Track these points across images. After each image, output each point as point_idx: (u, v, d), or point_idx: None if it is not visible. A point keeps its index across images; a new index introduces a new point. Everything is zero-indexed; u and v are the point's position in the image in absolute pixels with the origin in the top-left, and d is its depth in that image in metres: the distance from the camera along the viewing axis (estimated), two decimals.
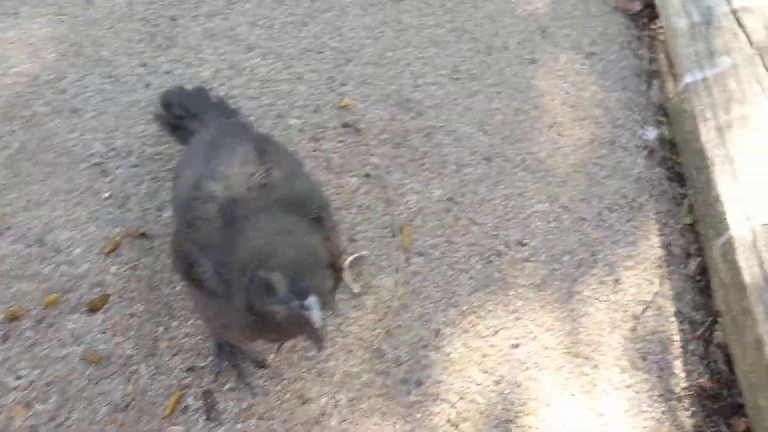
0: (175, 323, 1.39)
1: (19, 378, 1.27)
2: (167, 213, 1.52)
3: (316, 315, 0.97)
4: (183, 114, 1.50)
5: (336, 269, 1.15)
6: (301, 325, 1.00)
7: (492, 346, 1.51)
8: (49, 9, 1.81)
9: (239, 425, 1.31)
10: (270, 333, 1.11)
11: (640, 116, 1.99)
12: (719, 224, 1.55)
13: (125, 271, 1.43)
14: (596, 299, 1.63)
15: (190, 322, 1.40)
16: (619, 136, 1.96)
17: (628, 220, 1.77)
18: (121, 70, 1.74)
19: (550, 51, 2.13)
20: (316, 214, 1.18)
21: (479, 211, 1.72)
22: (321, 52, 1.94)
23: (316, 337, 1.00)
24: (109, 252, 1.44)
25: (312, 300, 0.98)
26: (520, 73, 2.05)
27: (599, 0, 2.31)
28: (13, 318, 1.31)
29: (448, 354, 1.49)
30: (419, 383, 1.43)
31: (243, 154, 1.26)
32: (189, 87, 1.61)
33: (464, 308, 1.55)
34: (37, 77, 1.67)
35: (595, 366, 1.53)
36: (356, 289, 1.53)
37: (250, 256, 1.03)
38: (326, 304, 1.01)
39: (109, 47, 1.78)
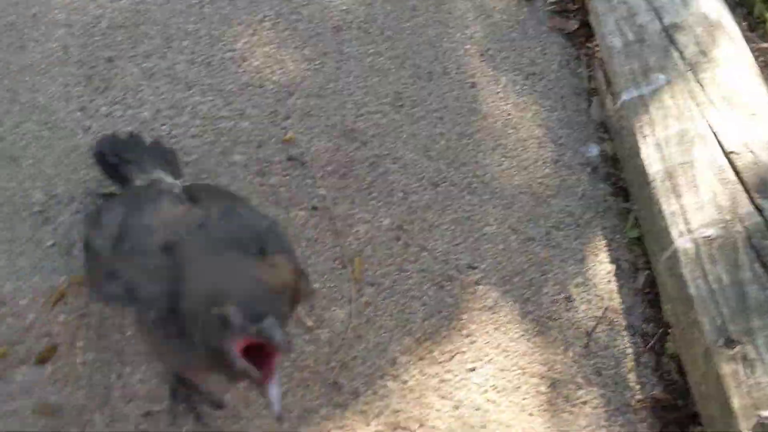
0: (127, 369, 1.40)
1: None
2: None
3: (277, 334, 0.98)
4: (117, 162, 1.51)
5: (295, 290, 1.17)
6: (257, 368, 1.01)
7: (448, 371, 1.55)
8: None
9: None
10: (227, 369, 1.13)
11: (581, 134, 2.07)
12: (663, 239, 1.62)
13: (73, 319, 1.44)
14: (548, 318, 1.69)
15: (143, 367, 1.41)
16: (562, 155, 2.03)
17: (576, 238, 1.84)
18: (59, 116, 1.75)
19: (490, 73, 2.20)
20: (258, 247, 1.21)
21: (429, 237, 1.76)
22: (262, 86, 1.98)
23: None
24: (56, 301, 1.45)
25: (270, 320, 0.99)
26: (461, 97, 2.11)
27: (536, 21, 2.39)
28: None
29: (405, 382, 1.52)
30: (378, 414, 1.46)
31: (170, 202, 1.29)
32: (122, 133, 1.63)
33: (418, 335, 1.59)
34: None
35: (552, 384, 1.58)
36: (309, 322, 1.56)
37: (200, 298, 1.05)
38: (284, 326, 1.03)
39: (44, 92, 1.79)
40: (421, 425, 1.46)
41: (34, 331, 1.40)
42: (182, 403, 1.38)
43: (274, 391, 0.99)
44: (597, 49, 2.28)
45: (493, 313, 1.67)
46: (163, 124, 1.80)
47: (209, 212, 1.23)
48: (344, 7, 2.26)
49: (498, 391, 1.55)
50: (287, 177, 1.80)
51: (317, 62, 2.09)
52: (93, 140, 1.71)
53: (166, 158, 1.56)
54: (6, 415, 1.30)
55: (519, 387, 1.56)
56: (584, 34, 2.37)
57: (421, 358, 1.55)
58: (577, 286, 1.75)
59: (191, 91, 1.91)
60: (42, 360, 1.37)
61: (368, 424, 1.44)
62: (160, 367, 1.38)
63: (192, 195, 1.32)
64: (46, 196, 1.60)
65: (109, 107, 1.80)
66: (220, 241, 1.17)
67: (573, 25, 2.38)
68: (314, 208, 1.75)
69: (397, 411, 1.47)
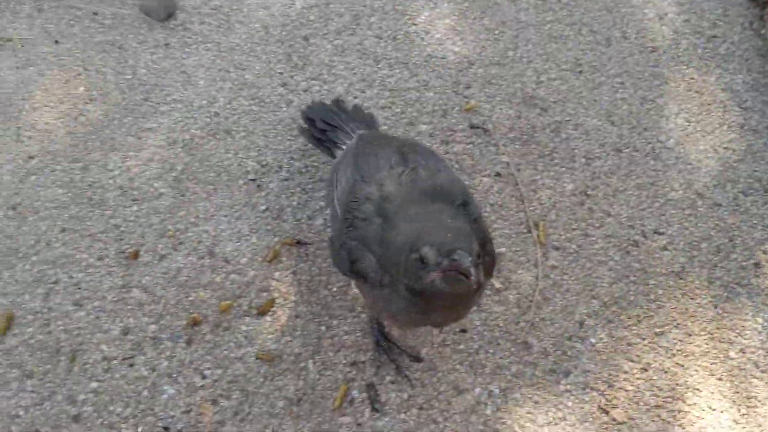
0: (335, 322, 1.51)
1: (204, 377, 1.41)
2: (318, 221, 1.65)
3: (466, 261, 1.05)
4: (325, 127, 1.62)
5: (487, 254, 1.23)
6: (455, 282, 1.07)
7: (636, 335, 1.56)
8: (194, 39, 1.97)
9: (402, 415, 1.41)
10: (434, 312, 1.21)
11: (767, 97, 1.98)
12: None
13: (287, 276, 1.56)
14: (737, 284, 1.65)
15: (349, 320, 1.51)
16: (749, 119, 1.95)
17: (764, 204, 1.78)
18: (265, 91, 1.88)
19: (670, 37, 2.13)
20: (461, 200, 1.28)
21: (613, 203, 1.76)
22: (444, 57, 2.02)
23: (472, 284, 1.06)
24: (271, 260, 1.58)
25: (461, 252, 1.06)
26: (642, 61, 2.07)
27: None
28: (195, 323, 1.46)
29: (593, 344, 1.54)
30: (567, 373, 1.50)
31: (387, 158, 1.37)
32: (327, 101, 1.73)
33: (606, 299, 1.60)
34: (191, 103, 1.83)
35: (741, 350, 1.55)
36: (497, 284, 1.61)
37: (404, 243, 1.14)
38: (477, 264, 1.08)
39: (251, 70, 1.93)
40: (610, 386, 1.48)
41: (254, 287, 1.54)
42: (384, 355, 1.47)
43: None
44: None
45: (680, 278, 1.65)
46: (355, 97, 1.89)
47: (418, 169, 1.31)
48: None
49: (686, 356, 1.54)
50: (470, 145, 1.84)
51: (496, 32, 2.11)
52: (296, 113, 1.82)
53: (367, 122, 1.65)
54: (234, 361, 1.44)
55: (707, 352, 1.54)
56: None
57: (609, 321, 1.57)
58: (765, 252, 1.70)
59: (380, 65, 1.98)
60: (262, 312, 1.50)
61: (558, 383, 1.48)
62: (377, 320, 1.47)
63: (403, 151, 1.39)
64: (258, 165, 1.73)
65: (308, 82, 1.91)
66: (427, 195, 1.25)
67: None
68: (497, 174, 1.79)
69: (587, 371, 1.50)
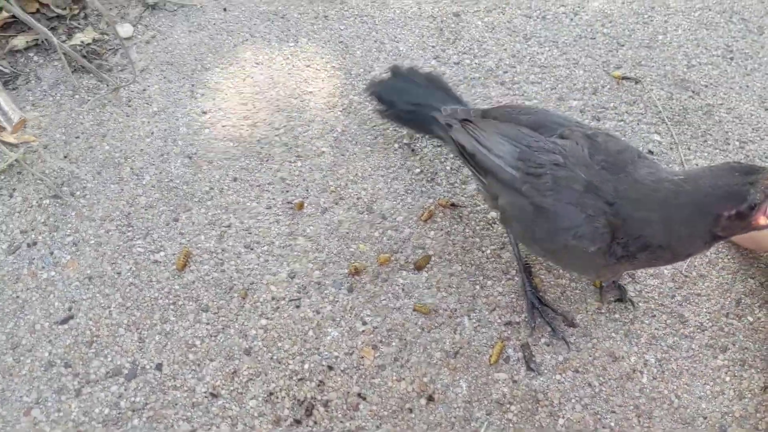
0: (489, 282, 1.47)
1: (364, 323, 1.40)
2: (471, 186, 1.61)
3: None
4: (410, 108, 1.53)
5: None
6: None
7: None
8: (351, 11, 1.98)
9: (558, 376, 1.36)
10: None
11: None
12: None
13: (441, 236, 1.53)
14: None
15: (503, 282, 1.47)
16: None
17: None
18: (418, 63, 1.86)
19: None
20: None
21: None
22: (593, 38, 1.96)
23: None
24: (426, 219, 1.55)
25: None
26: None
27: None
28: (356, 273, 1.45)
29: (750, 323, 1.45)
30: (725, 349, 1.41)
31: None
32: (393, 73, 1.63)
33: (763, 280, 1.51)
34: (350, 71, 1.84)
35: None
36: None
37: (697, 209, 1.09)
38: None
39: (405, 42, 1.91)
40: None
41: (410, 243, 1.52)
42: (539, 318, 1.42)
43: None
44: None
45: None
46: (506, 72, 1.85)
47: (591, 137, 1.26)
48: None
49: None
50: (622, 122, 1.77)
51: (645, 16, 2.03)
52: (449, 83, 1.80)
53: (448, 93, 1.56)
54: (392, 311, 1.43)
55: None
56: None
57: (765, 301, 1.47)
58: None
59: (529, 42, 1.94)
60: (419, 267, 1.48)
61: (715, 358, 1.40)
62: (531, 282, 1.43)
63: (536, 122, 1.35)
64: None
65: (459, 56, 1.88)
66: (620, 152, 1.20)
67: None
68: (650, 152, 1.71)
69: (744, 348, 1.41)
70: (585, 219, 1.18)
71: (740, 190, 1.05)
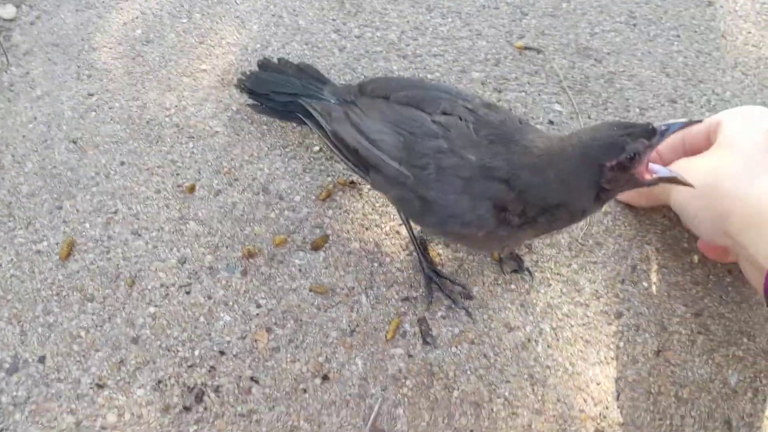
0: (387, 259, 1.50)
1: (259, 306, 1.42)
2: None
3: (677, 123, 1.14)
4: (285, 99, 1.52)
5: None
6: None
7: (691, 281, 1.52)
8: None
9: (453, 349, 1.40)
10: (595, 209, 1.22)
11: None
12: None
13: (340, 214, 1.55)
14: None
15: (401, 257, 1.50)
16: None
17: None
18: (318, 37, 1.87)
19: None
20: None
21: None
22: (497, 8, 1.99)
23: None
24: (325, 198, 1.57)
25: (661, 125, 1.12)
26: (698, 15, 2.02)
27: None
28: (250, 255, 1.46)
29: (645, 288, 1.51)
30: (619, 315, 1.47)
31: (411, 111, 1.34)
32: (262, 65, 1.63)
33: (659, 246, 1.57)
34: (246, 47, 1.83)
35: None
36: None
37: (574, 158, 1.14)
38: None
39: (304, 16, 1.91)
40: (663, 329, 1.45)
41: (308, 223, 1.53)
42: (438, 291, 1.45)
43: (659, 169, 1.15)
44: None
45: None
46: (408, 45, 1.87)
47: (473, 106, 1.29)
48: None
49: (739, 303, 1.50)
50: (523, 93, 1.81)
51: None
52: (348, 59, 1.81)
53: (320, 78, 1.57)
54: (287, 292, 1.44)
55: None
56: None
57: (661, 267, 1.53)
58: None
59: (432, 14, 1.96)
60: (316, 247, 1.50)
61: (609, 324, 1.45)
62: (425, 256, 1.46)
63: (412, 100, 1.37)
64: None
65: (361, 29, 1.89)
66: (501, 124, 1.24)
67: None
68: (551, 122, 1.76)
69: (639, 314, 1.47)
70: (469, 207, 1.21)
71: (618, 140, 1.11)
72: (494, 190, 1.20)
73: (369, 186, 1.58)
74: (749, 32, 1.99)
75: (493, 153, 1.22)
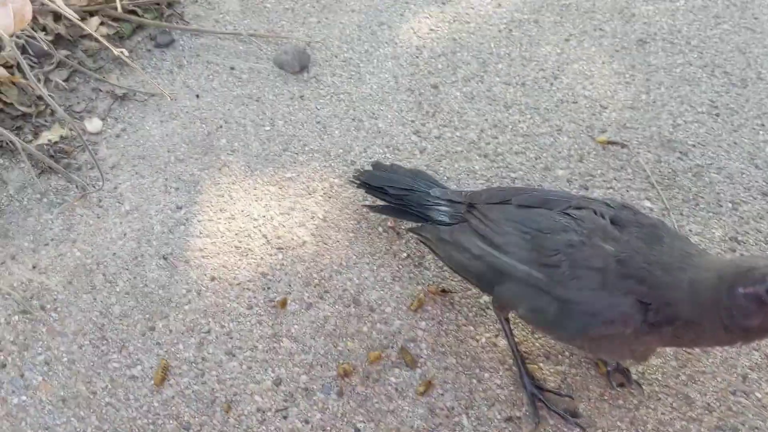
0: (486, 375, 1.41)
1: (357, 431, 1.34)
2: None
3: None
4: (400, 193, 1.50)
5: None
6: None
7: None
8: (327, 90, 1.95)
9: None
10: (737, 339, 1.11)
11: None
12: None
13: (433, 326, 1.48)
14: None
15: (500, 373, 1.41)
16: None
17: None
18: (398, 139, 1.83)
19: None
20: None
21: (766, 249, 1.62)
22: (575, 102, 1.94)
23: None
24: (416, 309, 1.50)
25: None
26: None
27: None
28: (345, 374, 1.39)
29: (759, 399, 1.40)
30: (735, 430, 1.36)
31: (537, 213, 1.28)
32: (377, 167, 1.63)
33: None
34: (329, 152, 1.80)
35: None
36: None
37: (716, 279, 1.05)
38: None
39: (384, 119, 1.88)
40: None
41: (401, 336, 1.46)
42: (544, 408, 1.36)
43: None
44: None
45: None
46: (488, 143, 1.82)
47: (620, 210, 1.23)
48: (646, 20, 2.16)
49: None
50: (611, 190, 1.74)
51: (626, 75, 2.01)
52: (429, 159, 1.77)
53: (429, 179, 1.55)
54: (385, 414, 1.36)
55: None
56: None
57: None
58: None
59: (510, 111, 1.91)
60: (410, 363, 1.42)
61: None
62: (528, 371, 1.37)
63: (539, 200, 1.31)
64: None
65: (440, 130, 1.85)
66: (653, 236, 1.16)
67: None
68: None
69: (755, 428, 1.36)
70: (609, 303, 1.13)
71: (761, 271, 1.01)
72: (630, 284, 1.12)
73: (460, 295, 1.51)
74: None
75: (634, 248, 1.15)
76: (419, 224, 1.46)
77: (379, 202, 1.57)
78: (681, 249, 1.12)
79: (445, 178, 1.75)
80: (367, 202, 1.60)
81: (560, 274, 1.16)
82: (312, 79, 1.98)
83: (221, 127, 1.85)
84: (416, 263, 1.58)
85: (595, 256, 1.14)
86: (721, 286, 1.03)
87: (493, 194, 1.35)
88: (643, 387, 1.40)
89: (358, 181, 1.59)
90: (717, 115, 1.91)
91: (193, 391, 1.38)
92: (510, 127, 1.87)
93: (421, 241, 1.51)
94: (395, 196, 1.51)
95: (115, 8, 1.98)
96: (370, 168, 1.62)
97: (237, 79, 1.97)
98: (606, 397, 1.39)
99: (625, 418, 1.36)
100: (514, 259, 1.22)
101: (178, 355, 1.42)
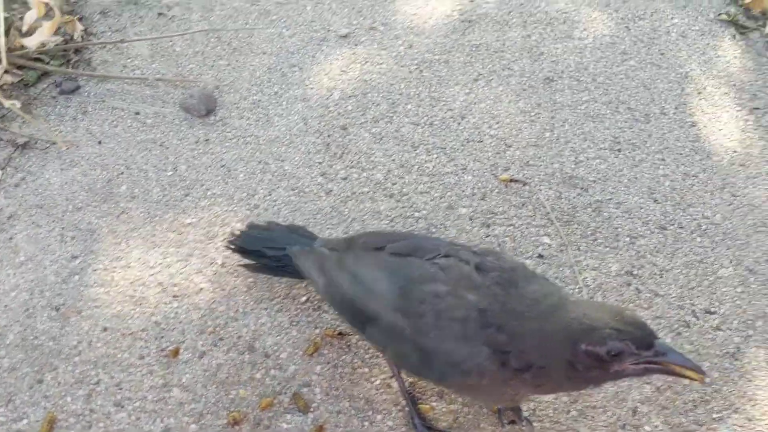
0: (379, 417, 1.46)
1: None
2: None
3: (677, 355, 1.07)
4: (276, 253, 1.54)
5: None
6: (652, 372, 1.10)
7: (694, 421, 1.47)
8: (233, 133, 2.00)
9: None
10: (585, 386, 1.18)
11: None
12: None
13: (328, 370, 1.52)
14: None
15: (393, 414, 1.46)
16: None
17: None
18: (304, 181, 1.88)
19: (710, 111, 2.10)
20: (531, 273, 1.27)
21: (660, 282, 1.70)
22: (481, 141, 2.02)
23: (694, 367, 1.08)
24: (312, 353, 1.54)
25: (661, 343, 1.07)
26: (682, 137, 2.04)
27: (754, 54, 2.27)
28: (235, 422, 1.43)
29: None
30: None
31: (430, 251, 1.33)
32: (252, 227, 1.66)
33: (659, 384, 1.53)
34: (232, 196, 1.84)
35: None
36: None
37: (562, 331, 1.11)
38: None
39: (291, 161, 1.94)
40: None
41: (296, 382, 1.50)
42: None
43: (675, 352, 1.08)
44: None
45: (736, 359, 1.57)
46: (394, 183, 1.88)
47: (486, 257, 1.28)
48: (554, 59, 2.26)
49: None
50: (511, 227, 1.81)
51: (532, 114, 2.10)
52: (335, 201, 1.82)
53: (305, 234, 1.59)
54: None
55: None
56: None
57: (663, 408, 1.49)
58: None
59: (417, 151, 1.98)
60: (303, 409, 1.46)
61: None
62: (418, 412, 1.42)
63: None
64: None
65: (347, 171, 1.91)
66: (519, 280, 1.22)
67: None
68: (540, 256, 1.75)
69: None
70: (468, 354, 1.18)
71: (603, 332, 1.07)
72: (489, 333, 1.18)
73: (358, 336, 1.56)
74: (735, 151, 2.00)
75: (493, 295, 1.21)
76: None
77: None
78: (532, 294, 1.18)
79: (350, 219, 1.80)
80: (244, 262, 1.63)
81: (424, 324, 1.21)
82: (219, 122, 2.03)
83: (122, 173, 1.89)
84: (315, 307, 1.62)
85: (458, 307, 1.20)
86: (565, 342, 1.09)
87: (369, 240, 1.41)
88: (534, 424, 1.46)
89: (233, 246, 1.61)
90: (619, 150, 2.00)
91: None
92: (416, 167, 1.94)
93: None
94: (274, 258, 1.54)
95: (21, 56, 2.02)
96: (245, 229, 1.64)
97: (141, 124, 2.01)
98: None
99: None
100: (382, 305, 1.27)
101: (65, 408, 1.44)
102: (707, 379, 1.46)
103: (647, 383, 1.53)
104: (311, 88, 2.14)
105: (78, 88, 2.09)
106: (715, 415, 1.48)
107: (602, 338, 1.06)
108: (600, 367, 1.07)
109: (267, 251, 1.55)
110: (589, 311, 1.10)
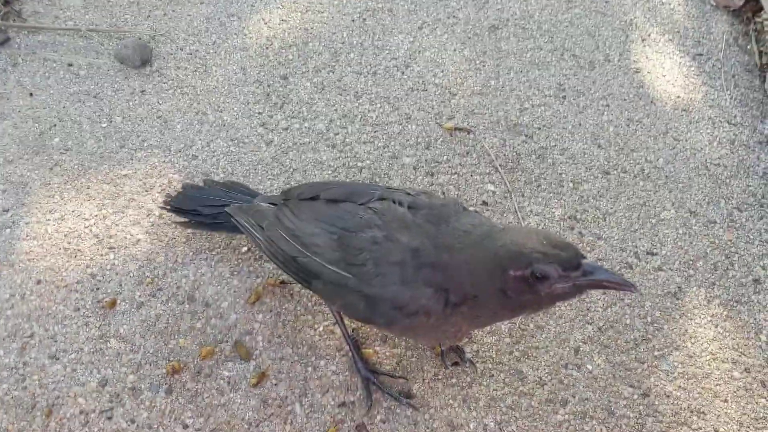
0: (322, 362, 1.47)
1: (185, 427, 1.37)
2: None
3: (604, 272, 1.08)
4: (214, 211, 1.53)
5: None
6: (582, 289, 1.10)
7: (635, 359, 1.51)
8: (170, 84, 1.97)
9: None
10: (520, 311, 1.18)
11: (758, 111, 1.97)
12: None
13: (270, 318, 1.52)
14: (736, 301, 1.61)
15: (336, 359, 1.47)
16: (739, 134, 1.93)
17: (761, 218, 1.74)
18: (244, 132, 1.86)
19: (654, 58, 2.13)
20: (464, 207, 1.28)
21: (603, 226, 1.73)
22: (426, 90, 2.01)
23: (621, 281, 1.08)
24: (254, 302, 1.54)
25: (589, 263, 1.08)
26: (626, 83, 2.06)
27: (698, 1, 2.29)
28: (175, 371, 1.42)
29: (590, 371, 1.50)
30: (565, 402, 1.45)
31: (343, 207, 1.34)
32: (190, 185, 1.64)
33: (601, 324, 1.56)
34: (169, 147, 1.82)
35: (745, 370, 1.50)
36: None
37: (491, 260, 1.11)
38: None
39: (230, 111, 1.92)
40: (610, 414, 1.43)
41: (237, 330, 1.50)
42: (378, 391, 1.42)
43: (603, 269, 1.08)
44: (767, 22, 2.16)
45: (677, 299, 1.61)
46: (337, 134, 1.88)
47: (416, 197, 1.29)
48: (499, 7, 2.26)
49: (688, 378, 1.49)
50: (455, 175, 1.82)
51: (477, 62, 2.10)
52: (276, 152, 1.81)
53: (246, 192, 1.58)
54: (216, 408, 1.40)
55: (710, 373, 1.50)
56: (751, 9, 2.25)
57: (605, 346, 1.52)
58: (764, 267, 1.66)
59: (360, 100, 1.97)
60: (245, 356, 1.46)
61: (556, 413, 1.43)
62: (360, 355, 1.43)
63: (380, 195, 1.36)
64: None
65: (288, 121, 1.90)
66: (434, 212, 1.24)
67: (739, 0, 2.26)
68: (484, 203, 1.76)
69: (585, 399, 1.45)
70: (411, 297, 1.19)
71: (529, 256, 1.08)
72: (426, 273, 1.19)
73: (299, 285, 1.56)
74: (678, 97, 2.03)
75: (425, 233, 1.21)
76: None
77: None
78: (462, 227, 1.19)
79: (291, 169, 1.79)
80: (180, 219, 1.61)
81: (366, 272, 1.22)
82: (155, 73, 1.99)
83: (55, 125, 1.85)
84: (257, 257, 1.62)
85: (395, 251, 1.20)
86: (495, 269, 1.11)
87: (304, 190, 1.40)
88: (477, 365, 1.48)
89: (169, 207, 1.59)
90: (564, 97, 2.02)
91: (12, 397, 1.38)
92: (359, 116, 1.93)
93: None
94: (210, 216, 1.53)
95: None
96: (180, 190, 1.62)
97: (75, 76, 1.97)
98: (440, 377, 1.46)
99: (458, 396, 1.44)
100: (323, 260, 1.27)
101: None
102: (640, 290, 1.52)
103: (589, 323, 1.56)
104: (250, 38, 2.11)
105: (8, 39, 2.03)
106: (656, 353, 1.52)
107: (528, 262, 1.07)
108: (530, 291, 1.09)
109: (203, 209, 1.53)
110: (516, 237, 1.12)
